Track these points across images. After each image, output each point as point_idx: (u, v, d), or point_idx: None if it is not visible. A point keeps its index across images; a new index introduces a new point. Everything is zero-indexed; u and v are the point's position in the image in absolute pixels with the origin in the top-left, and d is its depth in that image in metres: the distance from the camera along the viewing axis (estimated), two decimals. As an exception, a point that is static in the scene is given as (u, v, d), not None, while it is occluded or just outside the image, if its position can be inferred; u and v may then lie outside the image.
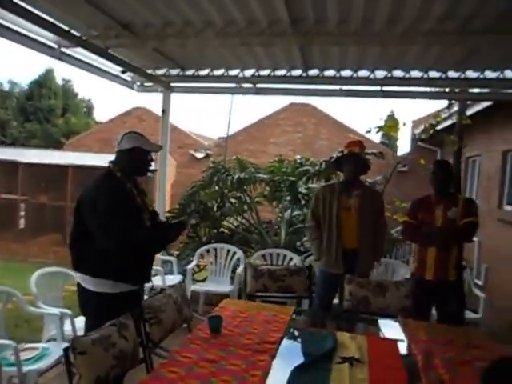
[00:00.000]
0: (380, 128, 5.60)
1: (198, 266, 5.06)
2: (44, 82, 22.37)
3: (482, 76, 4.13)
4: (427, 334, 2.45)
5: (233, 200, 5.92)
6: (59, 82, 23.74)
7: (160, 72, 4.77)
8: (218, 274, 4.88)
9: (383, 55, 3.93)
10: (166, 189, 5.05)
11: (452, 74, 4.21)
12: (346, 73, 4.44)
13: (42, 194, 9.82)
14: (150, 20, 3.38)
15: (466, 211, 3.06)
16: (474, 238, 3.88)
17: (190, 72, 4.75)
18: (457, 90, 4.78)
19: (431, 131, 5.54)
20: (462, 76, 4.18)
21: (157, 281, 4.38)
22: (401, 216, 5.92)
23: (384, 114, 22.83)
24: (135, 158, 2.41)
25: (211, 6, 3.03)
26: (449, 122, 6.43)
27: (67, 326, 2.98)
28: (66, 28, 3.46)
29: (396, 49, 3.74)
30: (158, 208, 4.26)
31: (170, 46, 3.88)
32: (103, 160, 8.78)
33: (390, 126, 5.80)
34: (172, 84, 4.98)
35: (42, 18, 3.22)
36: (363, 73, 4.41)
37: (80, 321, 3.05)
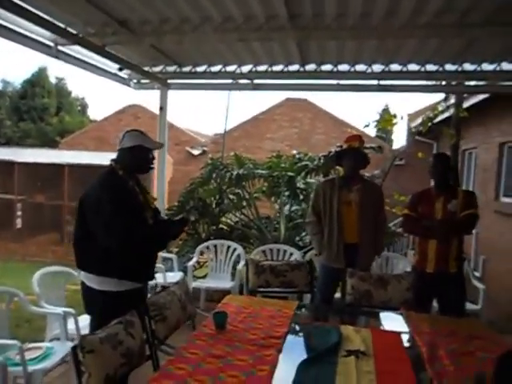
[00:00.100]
0: (378, 122, 5.62)
1: (198, 262, 5.07)
2: (37, 80, 22.24)
3: (479, 69, 4.14)
4: (430, 325, 2.47)
5: (231, 196, 5.93)
6: (52, 80, 23.64)
7: (157, 69, 4.76)
8: (219, 271, 4.89)
9: (380, 49, 3.93)
10: (165, 186, 5.06)
11: (449, 66, 4.22)
12: (344, 67, 4.44)
13: (39, 193, 9.79)
14: (147, 17, 3.36)
15: (466, 203, 3.08)
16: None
17: (186, 69, 4.74)
18: (454, 83, 4.79)
19: (429, 124, 5.55)
20: (460, 69, 4.19)
21: (158, 278, 4.37)
22: (400, 209, 5.96)
23: (379, 108, 22.86)
24: (137, 156, 2.41)
25: (209, 1, 3.02)
26: (445, 115, 6.46)
27: (70, 325, 2.98)
28: (63, 26, 3.44)
29: (393, 42, 3.74)
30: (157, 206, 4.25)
31: (167, 43, 3.87)
32: (99, 158, 8.74)
33: (387, 120, 5.81)
34: (169, 81, 4.96)
35: (39, 16, 3.20)
36: (360, 67, 4.41)
37: (83, 319, 3.06)
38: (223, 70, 4.66)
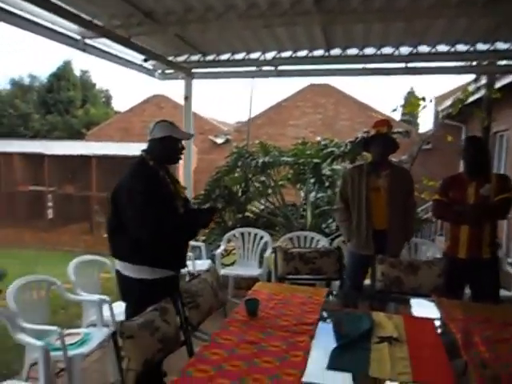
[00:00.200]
0: (405, 106, 5.50)
1: (225, 250, 5.12)
2: (62, 74, 22.66)
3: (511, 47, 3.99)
4: (463, 312, 2.43)
5: (257, 184, 5.94)
6: (77, 73, 24.04)
7: (181, 59, 4.78)
8: (246, 258, 4.93)
9: (408, 31, 3.84)
10: (191, 176, 5.10)
11: (481, 46, 4.08)
12: (370, 50, 4.35)
13: (69, 184, 10.06)
14: (171, 6, 3.37)
15: (500, 187, 2.99)
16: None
17: (210, 57, 4.75)
18: (485, 63, 4.63)
19: (459, 106, 5.39)
20: (492, 48, 4.04)
21: (187, 266, 4.45)
22: (428, 194, 5.85)
23: (404, 92, 22.33)
24: (167, 147, 2.44)
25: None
26: (476, 97, 6.26)
27: (105, 312, 3.07)
28: (89, 18, 3.48)
29: (421, 23, 3.65)
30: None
31: (192, 32, 3.87)
32: (125, 149, 8.89)
33: (414, 103, 5.66)
34: (193, 70, 4.97)
35: (65, 10, 3.25)
36: (387, 50, 4.32)
37: (117, 306, 3.16)
38: (247, 57, 4.64)
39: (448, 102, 8.41)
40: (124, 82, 54.23)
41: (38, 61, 42.82)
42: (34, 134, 21.04)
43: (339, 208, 3.50)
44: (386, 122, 3.41)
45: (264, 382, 1.65)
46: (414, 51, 4.24)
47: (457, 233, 3.11)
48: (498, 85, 5.87)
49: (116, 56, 4.27)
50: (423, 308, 2.69)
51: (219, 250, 4.79)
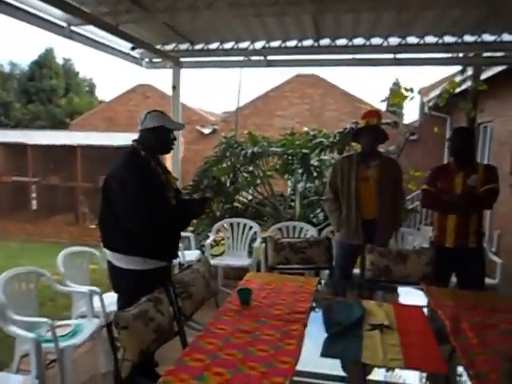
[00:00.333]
0: (392, 97, 5.53)
1: (214, 240, 5.12)
2: (44, 62, 22.14)
3: (499, 39, 4.03)
4: (452, 299, 2.49)
5: (245, 174, 5.94)
6: (59, 61, 23.53)
7: (169, 47, 4.71)
8: (235, 249, 4.95)
9: (397, 21, 3.84)
10: (179, 167, 5.06)
11: (468, 38, 4.12)
12: (359, 41, 4.35)
13: (53, 175, 9.90)
14: (160, -7, 3.32)
15: (487, 178, 3.05)
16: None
17: (199, 46, 4.69)
18: (471, 55, 4.68)
19: (447, 97, 5.45)
20: (479, 40, 4.08)
21: (176, 256, 4.44)
22: (414, 185, 5.93)
23: (390, 83, 22.44)
24: (159, 137, 2.42)
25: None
26: (461, 88, 6.33)
27: (95, 303, 3.06)
28: (76, 5, 3.40)
29: (411, 14, 3.65)
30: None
31: (181, 20, 3.82)
32: (111, 139, 8.79)
33: (401, 95, 5.70)
34: (181, 59, 4.91)
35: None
36: (376, 40, 4.32)
37: (107, 297, 3.15)
38: (236, 46, 4.60)
39: (433, 94, 8.50)
40: (108, 70, 53.37)
41: (19, 48, 41.74)
42: (16, 124, 20.59)
43: (329, 198, 3.53)
44: (376, 112, 3.43)
45: (259, 370, 1.67)
46: (403, 42, 4.25)
47: (444, 222, 3.17)
48: (482, 76, 5.96)
49: (103, 44, 4.19)
50: (412, 296, 2.76)
51: (208, 241, 4.79)
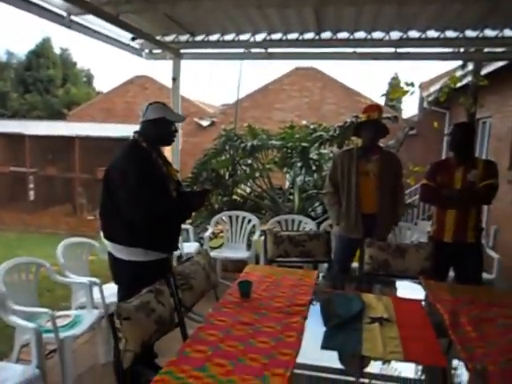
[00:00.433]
0: (392, 91, 5.52)
1: (213, 233, 5.13)
2: (41, 51, 21.94)
3: (500, 35, 4.03)
4: (450, 294, 2.51)
5: (244, 167, 5.94)
6: (57, 51, 23.31)
7: (169, 38, 4.68)
8: (234, 241, 4.95)
9: (399, 15, 3.82)
10: (179, 159, 5.04)
11: (469, 33, 4.11)
12: (360, 35, 4.33)
13: (51, 165, 9.85)
14: (161, -16, 3.29)
15: (486, 173, 3.06)
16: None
17: (199, 38, 4.66)
18: (472, 50, 4.67)
19: (447, 92, 5.44)
20: (481, 35, 4.07)
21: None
22: (413, 180, 5.95)
23: (389, 78, 22.39)
24: (161, 129, 2.41)
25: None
26: (461, 84, 6.32)
27: (95, 294, 3.06)
28: (76, -6, 3.37)
29: (413, 7, 3.63)
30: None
31: (181, 11, 3.79)
32: (109, 130, 8.74)
33: (401, 89, 5.69)
34: (181, 51, 4.88)
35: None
36: (377, 34, 4.30)
37: (106, 288, 3.15)
38: (236, 38, 4.57)
39: (433, 88, 8.49)
40: (106, 61, 52.98)
41: (16, 37, 41.34)
42: (13, 114, 20.44)
43: (328, 192, 3.53)
44: (377, 107, 3.43)
45: (261, 361, 1.68)
46: (404, 36, 4.24)
47: (443, 217, 3.18)
48: (483, 72, 5.95)
49: (103, 34, 4.15)
50: (411, 290, 2.77)
51: (207, 233, 4.80)
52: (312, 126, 5.77)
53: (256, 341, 1.85)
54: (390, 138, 5.90)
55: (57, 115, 19.14)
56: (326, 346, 1.88)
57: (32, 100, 21.26)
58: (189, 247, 4.72)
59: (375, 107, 3.43)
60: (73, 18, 3.67)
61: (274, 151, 5.79)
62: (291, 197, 5.78)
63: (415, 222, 8.57)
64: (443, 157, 9.13)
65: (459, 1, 3.34)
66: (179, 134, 5.14)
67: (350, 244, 3.44)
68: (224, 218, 5.07)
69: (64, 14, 3.60)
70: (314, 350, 1.88)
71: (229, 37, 4.57)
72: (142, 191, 2.26)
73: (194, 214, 5.74)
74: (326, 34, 4.39)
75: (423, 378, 1.82)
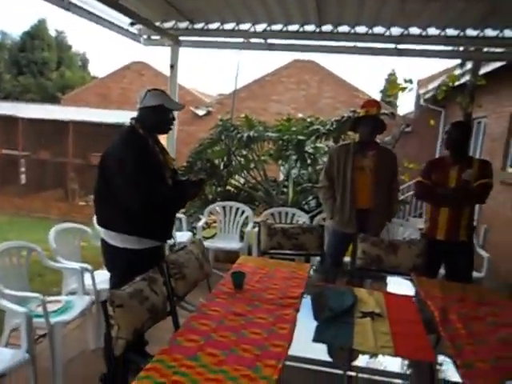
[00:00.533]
0: (390, 87, 5.52)
1: (206, 223, 5.12)
2: (36, 33, 21.64)
3: (501, 35, 4.03)
4: (441, 291, 2.54)
5: (239, 158, 5.92)
6: (52, 33, 22.97)
7: (168, 25, 4.61)
8: (227, 232, 4.95)
9: (401, 10, 3.80)
10: (175, 147, 5.01)
11: (470, 32, 4.10)
12: (361, 29, 4.30)
13: (43, 149, 9.74)
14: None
15: (481, 173, 3.08)
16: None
17: (198, 25, 4.60)
18: (472, 49, 4.67)
19: (445, 90, 5.45)
20: (481, 34, 4.07)
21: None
22: (408, 176, 5.97)
23: (386, 74, 22.38)
24: (159, 116, 2.38)
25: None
26: (458, 83, 6.33)
27: (86, 280, 3.05)
28: (76, -24, 3.31)
29: (415, 3, 3.62)
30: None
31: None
32: (105, 116, 8.66)
33: (399, 86, 5.69)
34: (180, 38, 4.82)
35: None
36: (378, 29, 4.28)
37: (98, 275, 3.14)
38: (236, 28, 4.52)
39: (430, 86, 8.50)
40: (101, 46, 52.27)
41: (10, 17, 40.59)
42: (5, 96, 20.15)
43: (324, 186, 3.54)
44: (376, 102, 3.43)
45: (253, 352, 1.69)
46: (405, 32, 4.22)
47: (436, 215, 3.20)
48: (481, 71, 5.96)
49: (101, 18, 4.09)
50: (403, 286, 2.79)
51: (201, 223, 4.79)
52: (309, 120, 5.75)
53: (248, 332, 1.86)
54: (385, 134, 5.92)
55: (50, 99, 18.91)
56: (317, 339, 1.90)
57: (25, 82, 20.97)
58: (181, 236, 4.71)
59: (374, 103, 3.43)
60: (72, 0, 3.60)
61: (269, 143, 5.77)
62: (285, 189, 5.79)
63: (407, 219, 8.62)
64: (437, 155, 9.19)
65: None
66: (176, 123, 5.11)
67: (343, 238, 3.45)
68: (217, 208, 5.06)
69: (63, -5, 3.53)
70: (305, 343, 1.89)
71: (229, 26, 4.52)
72: (140, 178, 2.24)
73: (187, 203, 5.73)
74: (327, 27, 4.36)
75: (409, 372, 1.85)
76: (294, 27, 4.41)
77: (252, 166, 5.88)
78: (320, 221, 4.34)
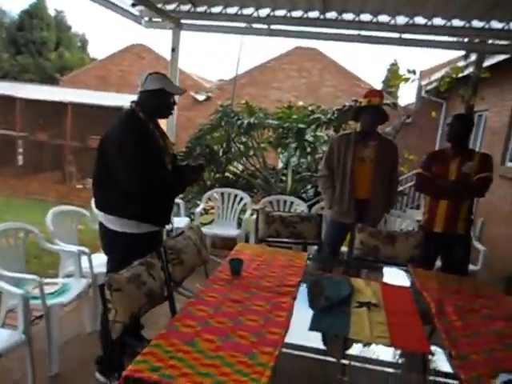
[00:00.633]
0: (394, 78, 5.48)
1: (204, 209, 5.12)
2: (35, 12, 21.30)
3: (506, 27, 3.98)
4: (437, 283, 2.55)
5: (239, 145, 5.89)
6: (51, 13, 22.63)
7: (170, 7, 4.54)
8: (225, 218, 4.95)
9: (406, -1, 3.76)
10: (174, 132, 4.97)
11: (476, 23, 4.05)
12: (366, 17, 4.24)
13: (41, 131, 9.66)
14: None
15: (482, 166, 3.07)
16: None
17: (201, 9, 4.53)
18: (476, 41, 4.62)
19: (448, 81, 5.41)
20: (487, 26, 4.03)
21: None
22: (407, 168, 5.96)
23: (388, 64, 22.22)
24: (160, 100, 2.35)
25: None
26: (461, 75, 6.28)
27: (83, 263, 3.05)
28: (77, -46, 3.24)
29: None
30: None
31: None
32: (104, 99, 8.56)
33: (402, 76, 5.64)
34: (182, 21, 4.75)
35: None
36: (383, 18, 4.22)
37: (95, 258, 3.14)
38: (239, 12, 4.45)
39: (432, 77, 8.44)
40: (101, 27, 51.59)
41: (8, -5, 39.86)
42: (3, 75, 19.92)
43: (324, 175, 3.52)
44: (379, 92, 3.40)
45: (249, 339, 1.69)
46: (410, 22, 4.17)
47: (435, 207, 3.21)
48: (484, 64, 5.91)
49: (103, -3, 4.02)
50: (399, 277, 2.80)
51: (199, 209, 4.78)
52: (310, 108, 5.71)
53: (245, 318, 1.87)
54: (386, 125, 5.90)
55: (49, 79, 18.69)
56: (314, 327, 1.91)
57: (23, 62, 20.72)
58: (179, 222, 4.70)
59: (377, 92, 3.40)
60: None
61: (269, 131, 5.74)
62: (284, 177, 5.77)
63: (404, 210, 8.64)
64: (437, 147, 9.17)
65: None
66: (176, 108, 5.06)
67: (341, 228, 3.45)
68: (216, 194, 5.04)
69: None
70: (302, 331, 1.90)
71: (232, 10, 4.45)
72: (140, 162, 2.22)
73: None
74: (331, 14, 4.30)
75: (401, 361, 1.86)
76: (297, 13, 4.35)
77: (251, 153, 5.85)
78: (318, 210, 4.34)
